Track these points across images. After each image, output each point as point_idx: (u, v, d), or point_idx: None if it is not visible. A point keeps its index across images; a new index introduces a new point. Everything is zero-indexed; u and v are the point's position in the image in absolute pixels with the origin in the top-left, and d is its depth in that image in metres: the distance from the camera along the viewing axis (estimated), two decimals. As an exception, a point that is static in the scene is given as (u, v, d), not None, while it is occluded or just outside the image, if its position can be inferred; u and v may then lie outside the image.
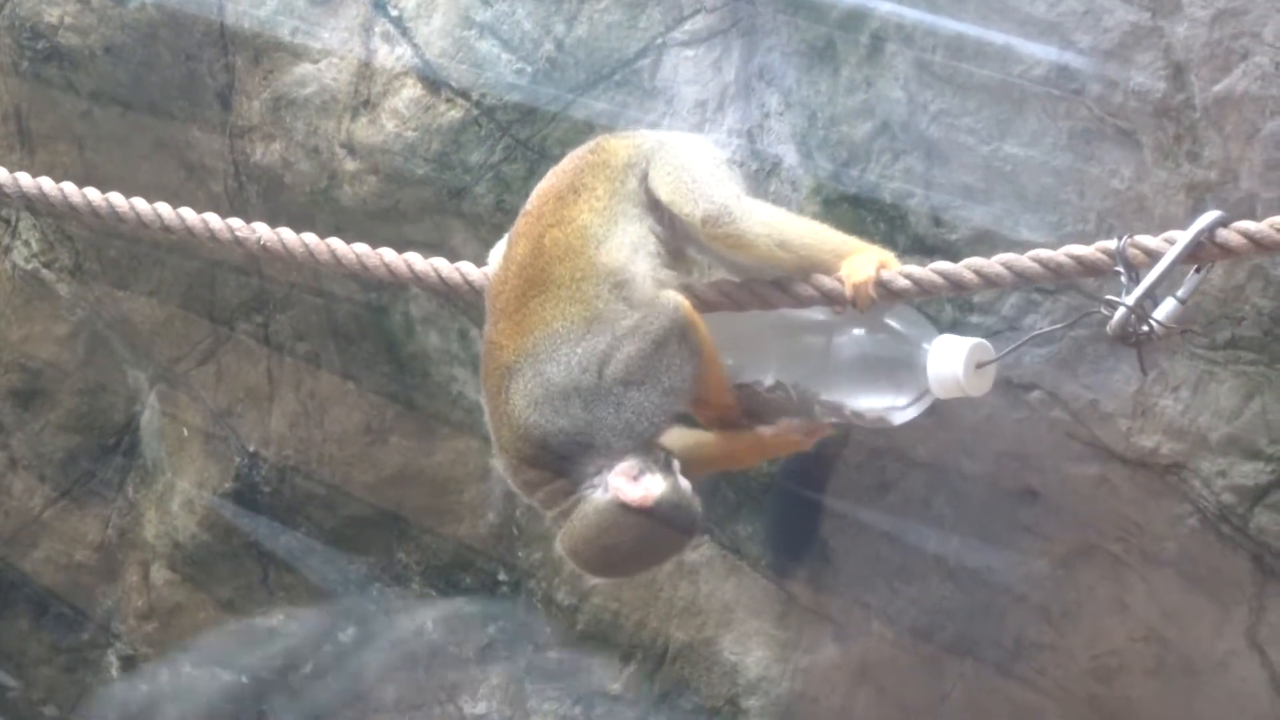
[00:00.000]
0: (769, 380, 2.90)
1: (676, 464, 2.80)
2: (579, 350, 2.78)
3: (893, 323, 2.86)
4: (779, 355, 2.94)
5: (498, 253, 3.04)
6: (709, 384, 2.85)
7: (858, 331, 2.88)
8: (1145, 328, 2.62)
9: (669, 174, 2.92)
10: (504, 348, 2.82)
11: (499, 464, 2.89)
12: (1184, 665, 3.60)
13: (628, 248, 2.86)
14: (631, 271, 2.84)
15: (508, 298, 2.86)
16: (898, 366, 2.84)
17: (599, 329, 2.79)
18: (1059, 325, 2.94)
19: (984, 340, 2.82)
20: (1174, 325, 2.64)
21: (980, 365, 2.80)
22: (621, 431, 2.76)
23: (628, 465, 2.75)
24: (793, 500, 3.92)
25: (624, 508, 2.73)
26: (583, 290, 2.81)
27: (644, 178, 2.93)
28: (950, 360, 2.79)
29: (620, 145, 2.98)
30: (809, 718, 4.00)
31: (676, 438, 2.88)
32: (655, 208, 2.91)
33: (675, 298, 2.82)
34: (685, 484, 2.80)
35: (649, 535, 2.76)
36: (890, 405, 2.86)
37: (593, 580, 2.89)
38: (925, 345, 2.82)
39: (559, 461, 2.78)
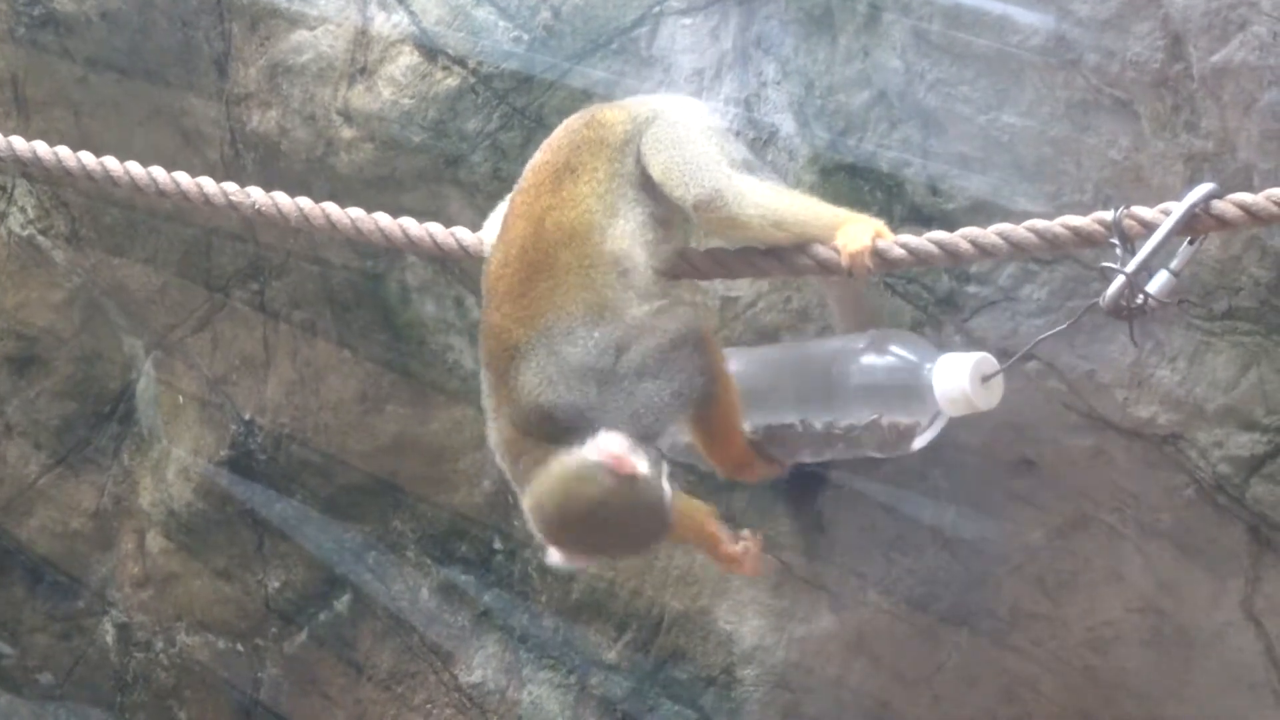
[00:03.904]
0: (818, 424, 2.94)
1: (667, 468, 2.80)
2: (596, 334, 2.78)
3: (898, 349, 2.89)
4: (794, 390, 2.97)
5: (493, 221, 3.03)
6: (720, 409, 2.87)
7: (866, 360, 2.90)
8: (1139, 300, 2.62)
9: (660, 152, 2.91)
10: (510, 330, 2.81)
11: (492, 435, 2.88)
12: (1180, 636, 3.60)
13: (628, 236, 2.87)
14: (634, 260, 2.85)
15: (510, 281, 2.85)
16: (908, 392, 2.87)
17: (612, 316, 2.80)
18: (1065, 325, 2.92)
19: (986, 354, 2.86)
20: (1167, 298, 2.64)
21: (986, 378, 2.83)
22: (627, 418, 2.76)
23: (623, 435, 2.75)
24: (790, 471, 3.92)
25: (603, 468, 2.71)
26: (592, 277, 2.82)
27: (638, 155, 2.92)
28: (955, 377, 2.82)
29: (616, 119, 2.96)
30: (804, 687, 4.00)
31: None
32: (650, 184, 2.91)
33: (691, 316, 2.87)
34: (669, 491, 2.79)
35: (615, 508, 2.73)
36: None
37: (549, 549, 2.82)
38: (929, 366, 2.84)
39: (560, 431, 2.77)
